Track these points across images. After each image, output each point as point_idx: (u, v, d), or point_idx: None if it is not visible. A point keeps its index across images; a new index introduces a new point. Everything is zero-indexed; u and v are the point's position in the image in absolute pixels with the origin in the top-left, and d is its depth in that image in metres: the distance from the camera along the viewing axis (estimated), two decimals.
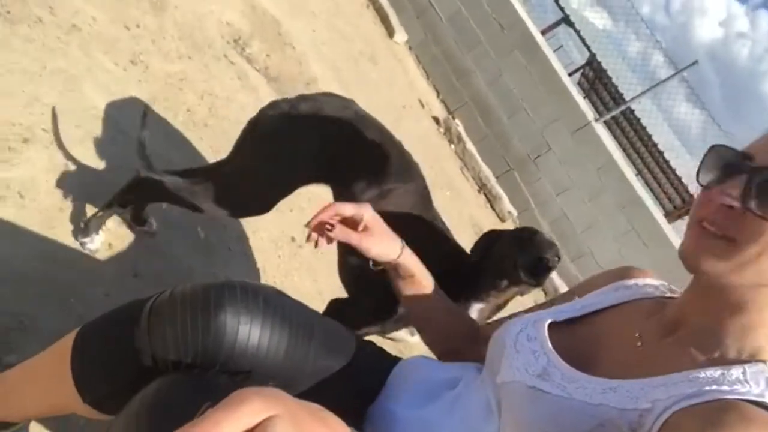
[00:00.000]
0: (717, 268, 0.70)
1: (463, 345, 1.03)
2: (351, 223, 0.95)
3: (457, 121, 5.32)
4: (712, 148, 0.74)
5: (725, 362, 0.71)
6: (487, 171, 5.18)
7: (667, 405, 0.66)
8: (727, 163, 0.72)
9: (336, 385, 0.86)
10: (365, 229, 0.95)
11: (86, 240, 1.40)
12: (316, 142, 1.31)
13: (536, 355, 0.80)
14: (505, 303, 1.48)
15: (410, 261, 1.00)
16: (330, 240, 0.94)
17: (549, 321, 0.86)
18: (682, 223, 6.50)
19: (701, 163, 0.74)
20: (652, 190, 8.17)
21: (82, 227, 1.40)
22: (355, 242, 0.93)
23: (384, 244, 0.97)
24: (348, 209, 0.94)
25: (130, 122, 1.73)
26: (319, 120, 1.31)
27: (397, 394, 0.89)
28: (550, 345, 0.81)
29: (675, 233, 4.97)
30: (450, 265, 1.26)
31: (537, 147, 5.24)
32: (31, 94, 1.48)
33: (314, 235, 0.93)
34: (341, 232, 0.92)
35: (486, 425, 0.80)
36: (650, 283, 0.92)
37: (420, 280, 1.02)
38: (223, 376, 0.72)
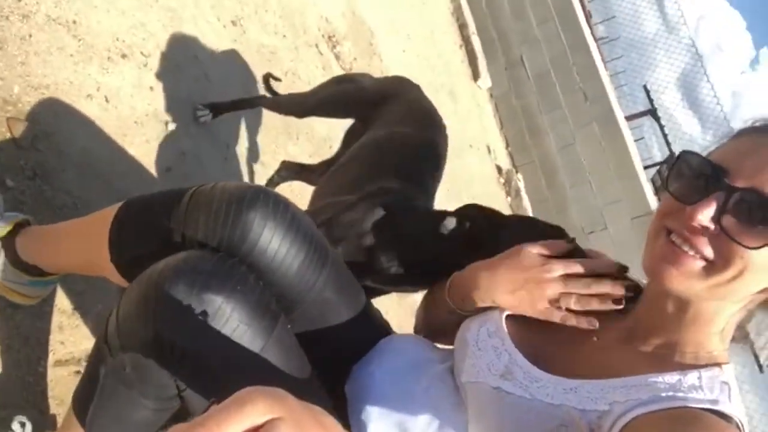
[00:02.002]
0: (691, 288, 0.70)
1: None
2: None
3: (519, 176, 5.34)
4: (683, 154, 0.72)
5: (682, 367, 0.72)
6: None
7: (625, 409, 0.67)
8: (701, 177, 0.69)
9: (333, 328, 0.89)
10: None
11: (204, 113, 1.74)
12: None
13: (498, 352, 0.80)
14: None
15: None
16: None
17: (507, 313, 0.87)
18: None
19: (671, 170, 0.72)
20: None
21: (205, 105, 1.76)
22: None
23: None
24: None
25: (214, 70, 1.87)
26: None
27: (380, 358, 0.90)
28: (510, 341, 0.82)
29: None
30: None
31: (593, 223, 5.17)
32: (140, 19, 1.64)
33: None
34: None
35: (456, 415, 0.81)
36: None
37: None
38: (244, 267, 0.77)
